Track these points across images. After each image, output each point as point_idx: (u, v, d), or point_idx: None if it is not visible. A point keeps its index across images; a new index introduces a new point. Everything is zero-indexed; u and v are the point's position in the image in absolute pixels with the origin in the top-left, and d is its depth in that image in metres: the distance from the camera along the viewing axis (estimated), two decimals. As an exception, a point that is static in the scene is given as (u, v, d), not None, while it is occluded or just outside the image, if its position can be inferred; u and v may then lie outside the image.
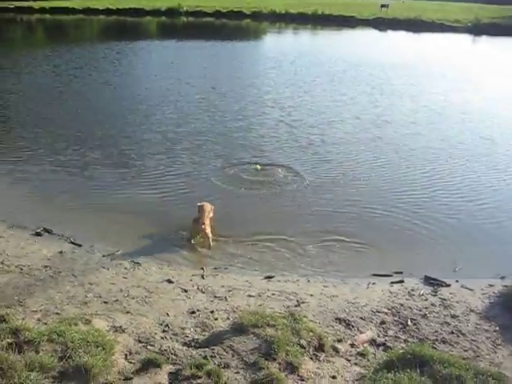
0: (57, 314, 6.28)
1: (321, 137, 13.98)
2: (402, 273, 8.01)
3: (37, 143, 13.18)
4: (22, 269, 7.48)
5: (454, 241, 9.05)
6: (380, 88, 19.87)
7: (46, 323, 6.00)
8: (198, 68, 23.67)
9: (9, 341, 5.12)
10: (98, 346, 5.05)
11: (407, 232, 9.26)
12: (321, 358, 5.75)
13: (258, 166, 11.44)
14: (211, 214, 8.97)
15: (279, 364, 5.39)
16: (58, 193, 10.45)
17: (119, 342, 5.54)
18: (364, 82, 20.94)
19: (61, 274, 7.38)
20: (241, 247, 8.56)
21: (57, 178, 11.19)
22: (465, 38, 39.60)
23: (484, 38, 39.33)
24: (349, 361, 5.86)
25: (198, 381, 4.84)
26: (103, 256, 8.05)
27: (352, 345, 6.16)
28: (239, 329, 5.86)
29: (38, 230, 8.84)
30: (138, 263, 7.86)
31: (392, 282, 7.74)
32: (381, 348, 6.18)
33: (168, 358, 5.31)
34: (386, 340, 6.31)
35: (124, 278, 7.38)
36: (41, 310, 6.34)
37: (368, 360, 5.89)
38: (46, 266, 7.57)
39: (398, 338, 6.38)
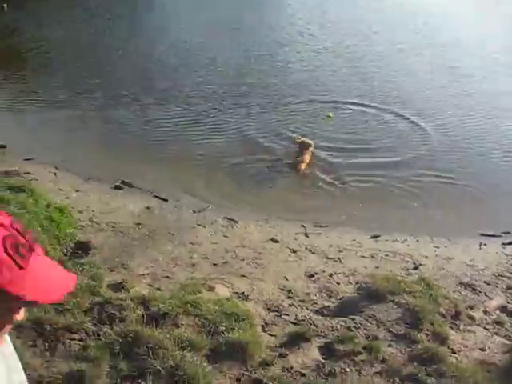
0: (167, 277, 5.86)
1: (395, 91, 12.83)
2: (510, 233, 7.52)
3: (93, 96, 12.21)
4: (113, 227, 7.01)
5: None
6: (440, 38, 18.23)
7: (159, 289, 5.59)
8: (240, 11, 22.06)
9: (139, 312, 4.71)
10: (240, 319, 4.63)
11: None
12: (460, 328, 5.39)
13: (331, 114, 10.84)
14: (311, 149, 8.95)
15: (426, 335, 5.03)
16: (127, 145, 9.85)
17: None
18: (422, 31, 19.24)
19: (156, 232, 6.93)
20: (338, 200, 8.10)
21: (122, 131, 10.48)
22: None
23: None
24: (487, 330, 5.48)
25: (359, 357, 4.41)
26: (194, 212, 7.61)
27: (485, 312, 5.76)
28: (374, 295, 5.45)
29: (117, 183, 8.36)
30: (233, 220, 7.41)
31: (503, 244, 7.28)
32: (515, 316, 5.74)
33: (309, 330, 4.88)
34: (518, 307, 5.88)
35: (224, 236, 6.94)
36: (148, 274, 5.90)
37: (507, 329, 5.49)
38: (138, 224, 7.11)
39: (529, 304, 5.94)
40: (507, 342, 5.29)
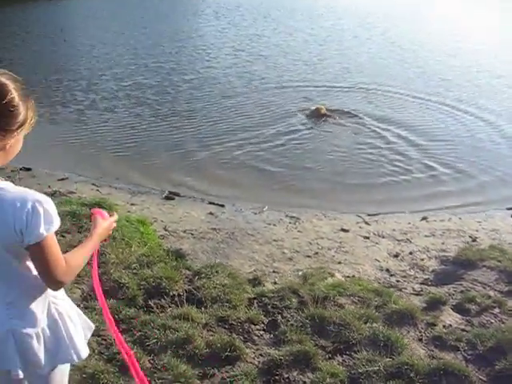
0: (275, 272, 6.37)
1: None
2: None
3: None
4: (192, 234, 7.46)
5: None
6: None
7: (275, 283, 6.07)
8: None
9: (296, 300, 5.27)
10: (384, 294, 5.35)
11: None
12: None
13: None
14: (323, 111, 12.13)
15: (526, 289, 5.91)
16: (156, 157, 10.27)
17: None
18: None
19: (235, 234, 7.44)
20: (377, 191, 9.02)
21: (142, 146, 10.92)
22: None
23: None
24: None
25: (493, 311, 5.26)
26: (255, 214, 8.19)
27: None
28: (466, 264, 6.32)
29: (167, 194, 8.79)
30: (294, 217, 8.07)
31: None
32: None
33: (440, 296, 5.65)
34: None
35: (299, 231, 7.61)
36: (255, 271, 6.41)
37: None
38: (214, 229, 7.59)
39: None
40: None
